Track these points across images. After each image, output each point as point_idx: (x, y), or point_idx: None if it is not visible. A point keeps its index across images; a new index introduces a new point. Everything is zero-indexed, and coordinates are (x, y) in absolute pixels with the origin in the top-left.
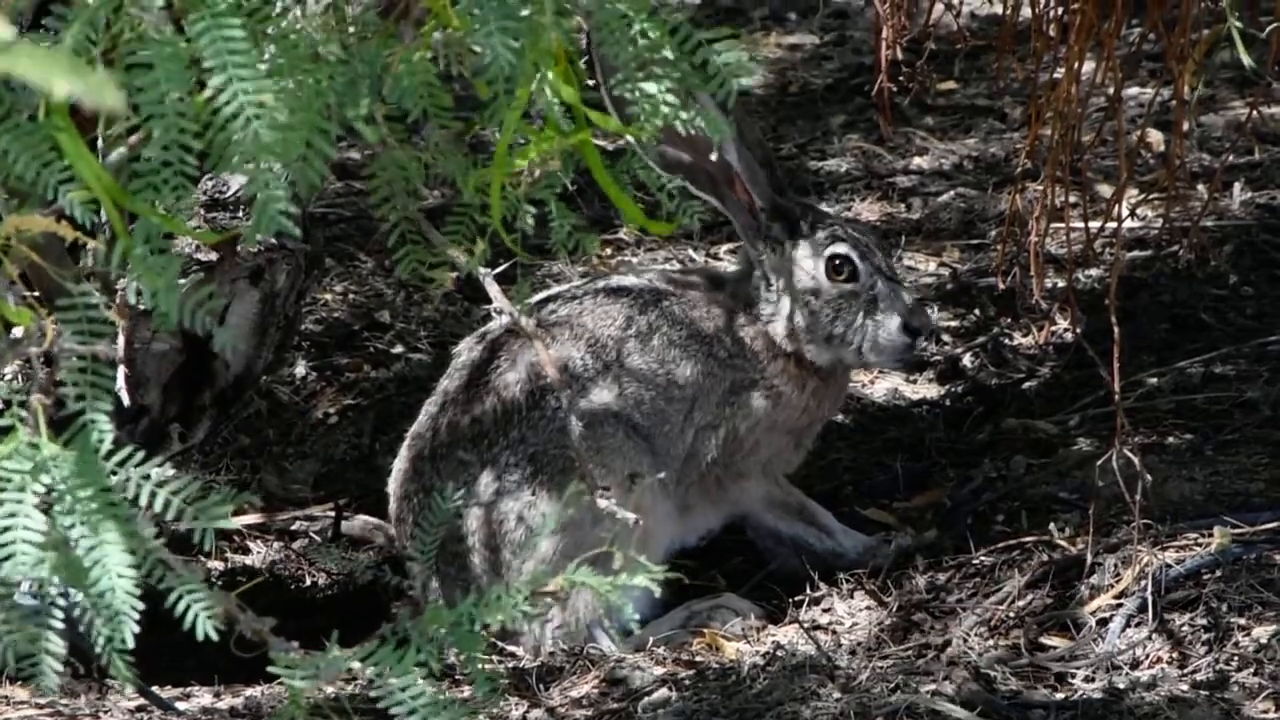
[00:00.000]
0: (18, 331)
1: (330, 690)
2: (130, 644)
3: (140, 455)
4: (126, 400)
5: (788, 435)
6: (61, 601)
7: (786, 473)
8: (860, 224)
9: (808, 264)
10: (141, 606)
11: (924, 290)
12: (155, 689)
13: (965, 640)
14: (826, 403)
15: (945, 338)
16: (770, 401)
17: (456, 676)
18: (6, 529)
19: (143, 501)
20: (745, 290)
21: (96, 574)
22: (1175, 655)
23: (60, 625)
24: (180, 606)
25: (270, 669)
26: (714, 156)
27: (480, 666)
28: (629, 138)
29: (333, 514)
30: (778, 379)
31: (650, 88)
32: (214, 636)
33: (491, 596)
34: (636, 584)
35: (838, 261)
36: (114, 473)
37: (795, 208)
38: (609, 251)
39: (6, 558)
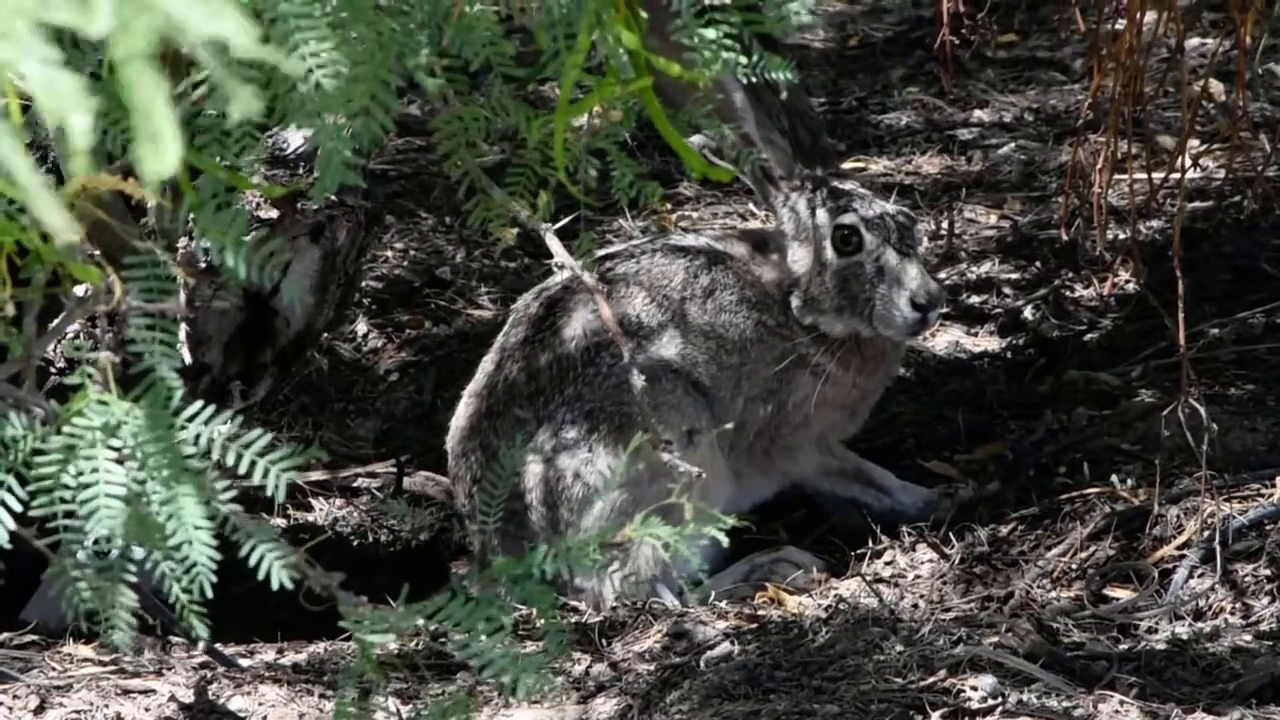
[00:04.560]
0: (80, 290)
1: (394, 647)
2: (208, 595)
3: (209, 411)
4: (188, 358)
5: (840, 410)
6: (135, 555)
7: (842, 439)
8: (880, 195)
9: (819, 235)
10: (218, 558)
11: (984, 243)
12: (218, 645)
13: (1028, 592)
14: (879, 374)
15: (1007, 290)
16: (817, 378)
17: (520, 631)
18: (88, 486)
19: (214, 456)
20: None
21: (172, 528)
22: (1239, 606)
23: (131, 580)
24: (255, 558)
25: (335, 625)
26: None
27: (555, 619)
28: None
29: (394, 471)
30: (822, 356)
31: (710, 33)
32: (289, 586)
33: (562, 548)
34: (705, 535)
35: (845, 232)
36: (184, 428)
37: (813, 177)
38: (668, 206)
39: (90, 514)
